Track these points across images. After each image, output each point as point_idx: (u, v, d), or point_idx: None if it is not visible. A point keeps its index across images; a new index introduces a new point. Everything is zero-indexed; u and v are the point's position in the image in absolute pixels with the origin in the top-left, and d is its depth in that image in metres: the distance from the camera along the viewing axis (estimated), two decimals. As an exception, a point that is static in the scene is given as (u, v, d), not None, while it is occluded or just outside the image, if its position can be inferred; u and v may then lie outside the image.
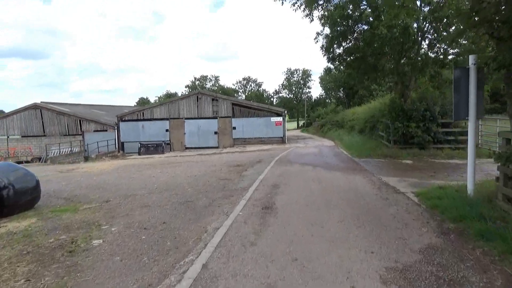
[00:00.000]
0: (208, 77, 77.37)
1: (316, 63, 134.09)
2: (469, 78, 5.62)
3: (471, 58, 5.64)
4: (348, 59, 15.20)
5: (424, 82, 15.22)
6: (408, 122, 13.14)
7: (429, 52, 14.16)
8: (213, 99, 28.14)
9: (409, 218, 5.26)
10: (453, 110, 5.94)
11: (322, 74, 61.61)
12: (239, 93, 76.47)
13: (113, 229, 5.40)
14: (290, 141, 29.20)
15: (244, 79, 78.37)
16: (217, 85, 76.40)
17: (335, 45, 14.84)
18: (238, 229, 4.97)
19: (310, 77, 72.88)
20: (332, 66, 16.40)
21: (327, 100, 66.09)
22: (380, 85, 25.40)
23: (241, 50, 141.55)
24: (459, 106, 5.80)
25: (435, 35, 13.68)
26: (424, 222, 5.03)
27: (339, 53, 15.17)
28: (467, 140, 6.11)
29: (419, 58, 13.76)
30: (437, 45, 13.92)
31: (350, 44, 14.65)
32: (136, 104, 75.75)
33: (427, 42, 14.26)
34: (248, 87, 78.51)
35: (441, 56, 13.94)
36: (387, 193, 7.01)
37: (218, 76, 79.60)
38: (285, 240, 4.44)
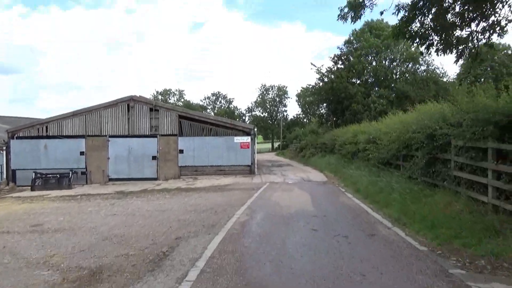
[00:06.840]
0: (172, 91, 68.27)
1: (291, 83, 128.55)
2: None
3: None
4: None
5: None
6: None
7: None
8: (151, 109, 19.46)
9: None
10: None
11: (300, 90, 54.81)
12: (208, 110, 67.90)
13: None
14: (262, 170, 20.89)
15: (213, 94, 69.83)
16: (182, 100, 67.37)
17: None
18: None
19: (287, 94, 65.47)
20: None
21: (305, 120, 59.11)
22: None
23: (216, 69, 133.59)
24: None
25: None
26: None
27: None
28: None
29: None
30: None
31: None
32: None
33: None
34: (218, 103, 70.09)
35: None
36: None
37: (183, 90, 70.43)
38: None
